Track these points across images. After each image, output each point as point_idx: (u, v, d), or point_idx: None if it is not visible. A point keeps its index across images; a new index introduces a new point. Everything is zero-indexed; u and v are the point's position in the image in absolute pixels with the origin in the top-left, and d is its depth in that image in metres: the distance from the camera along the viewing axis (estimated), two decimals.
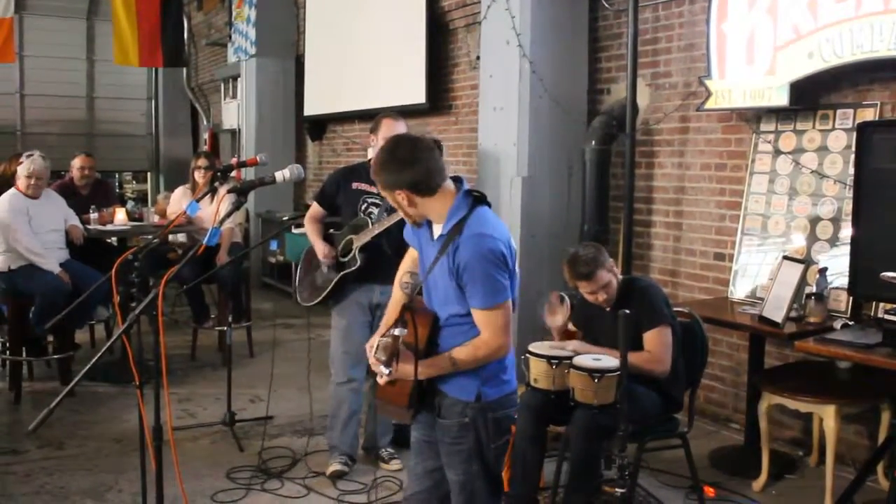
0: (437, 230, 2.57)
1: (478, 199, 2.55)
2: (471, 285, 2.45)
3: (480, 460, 2.56)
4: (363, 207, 4.15)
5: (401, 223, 3.87)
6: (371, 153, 4.19)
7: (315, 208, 4.34)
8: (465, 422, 2.54)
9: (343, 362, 4.22)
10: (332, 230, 4.33)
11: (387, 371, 2.37)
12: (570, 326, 3.95)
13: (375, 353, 2.39)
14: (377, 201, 4.13)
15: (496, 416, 2.56)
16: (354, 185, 4.20)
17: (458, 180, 2.57)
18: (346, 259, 4.12)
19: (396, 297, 2.83)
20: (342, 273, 4.11)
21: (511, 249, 2.52)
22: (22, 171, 5.58)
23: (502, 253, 2.46)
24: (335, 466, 4.20)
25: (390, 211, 4.02)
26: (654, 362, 3.54)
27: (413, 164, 2.47)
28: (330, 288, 4.16)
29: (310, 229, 4.30)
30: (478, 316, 2.47)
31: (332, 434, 4.29)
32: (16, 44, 11.29)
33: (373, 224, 4.05)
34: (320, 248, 4.20)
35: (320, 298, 4.21)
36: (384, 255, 4.03)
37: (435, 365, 2.50)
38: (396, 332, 2.39)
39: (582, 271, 3.63)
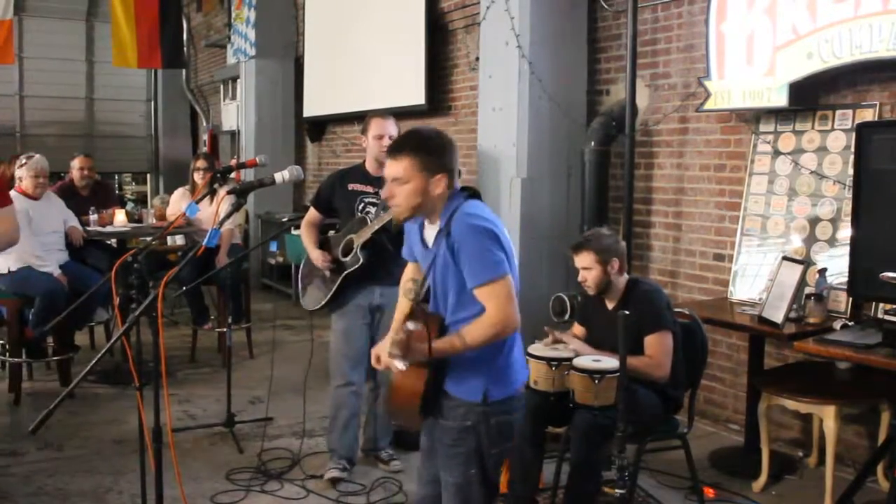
0: (433, 230, 2.59)
1: (471, 195, 2.58)
2: (467, 264, 2.44)
3: (479, 465, 2.54)
4: (360, 207, 4.14)
5: None
6: (367, 154, 4.21)
7: (312, 213, 4.33)
8: (467, 425, 2.52)
9: (342, 365, 4.21)
10: (330, 232, 4.32)
11: (402, 365, 2.36)
12: (575, 327, 3.96)
13: (390, 350, 2.39)
14: (374, 200, 4.12)
15: (499, 420, 2.54)
16: (350, 187, 4.18)
17: None
18: (347, 258, 4.09)
19: (401, 305, 2.82)
20: (345, 273, 4.08)
21: (503, 233, 2.51)
22: (28, 171, 5.58)
23: (491, 231, 2.46)
24: (333, 473, 4.18)
25: (387, 208, 4.01)
26: (654, 367, 3.54)
27: (453, 152, 2.58)
28: (335, 289, 4.12)
29: (305, 236, 4.27)
30: (480, 293, 2.45)
31: (332, 437, 4.27)
32: (15, 45, 11.29)
33: (372, 221, 4.03)
34: (316, 255, 4.16)
35: (325, 301, 4.17)
36: (386, 252, 4.02)
37: (447, 343, 2.46)
38: (410, 326, 2.39)
39: (574, 242, 3.77)
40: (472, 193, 2.59)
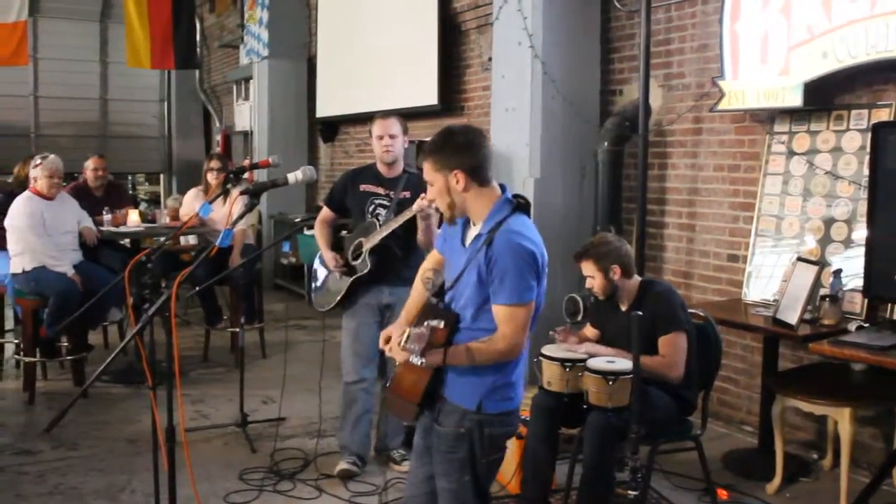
0: (474, 232, 2.58)
1: (520, 206, 2.56)
2: (498, 281, 2.43)
3: (472, 472, 2.55)
4: (371, 209, 4.17)
5: (408, 224, 3.92)
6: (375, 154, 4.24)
7: (325, 211, 4.37)
8: (461, 432, 2.53)
9: (353, 362, 4.24)
10: (343, 232, 4.35)
11: (419, 360, 2.36)
12: (588, 329, 3.95)
13: (406, 342, 2.38)
14: (384, 202, 4.15)
15: (492, 431, 2.55)
16: (362, 187, 4.22)
17: (502, 187, 2.60)
18: (356, 262, 4.13)
19: (417, 291, 2.84)
20: (354, 278, 4.13)
21: (543, 259, 2.50)
22: (42, 171, 5.60)
23: (533, 255, 2.45)
24: (343, 466, 4.22)
25: (397, 212, 4.05)
26: (669, 367, 3.53)
27: (474, 147, 2.52)
28: (343, 293, 4.17)
29: (319, 235, 4.32)
30: (500, 312, 2.45)
31: (343, 434, 4.29)
32: (30, 46, 11.37)
33: (381, 226, 4.07)
34: (328, 257, 4.22)
35: (335, 303, 4.23)
36: (394, 257, 4.09)
37: (454, 354, 2.48)
38: (434, 323, 2.39)
39: (576, 251, 3.77)
40: (521, 205, 2.57)
